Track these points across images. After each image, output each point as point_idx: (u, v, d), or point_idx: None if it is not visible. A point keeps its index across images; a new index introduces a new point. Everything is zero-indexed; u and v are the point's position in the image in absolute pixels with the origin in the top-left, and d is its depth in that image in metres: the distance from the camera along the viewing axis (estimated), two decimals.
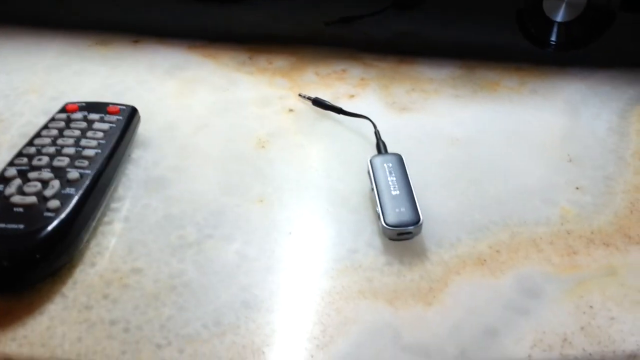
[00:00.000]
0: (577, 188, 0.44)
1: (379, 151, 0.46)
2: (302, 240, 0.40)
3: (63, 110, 0.47)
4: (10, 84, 0.55)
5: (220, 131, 0.50)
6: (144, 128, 0.49)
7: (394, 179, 0.42)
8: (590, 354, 0.32)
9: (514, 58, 0.58)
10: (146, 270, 0.37)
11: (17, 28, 0.63)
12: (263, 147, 0.48)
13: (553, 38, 0.56)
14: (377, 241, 0.40)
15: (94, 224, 0.40)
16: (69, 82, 0.56)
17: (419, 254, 0.39)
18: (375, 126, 0.48)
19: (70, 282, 0.37)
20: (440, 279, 0.37)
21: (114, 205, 0.42)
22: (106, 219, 0.41)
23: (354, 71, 0.58)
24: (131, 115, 0.47)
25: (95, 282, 0.37)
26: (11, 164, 0.41)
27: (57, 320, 0.34)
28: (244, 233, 0.40)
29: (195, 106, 0.53)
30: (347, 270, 0.38)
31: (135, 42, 0.62)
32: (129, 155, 0.47)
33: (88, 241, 0.39)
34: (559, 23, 0.55)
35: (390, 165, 0.43)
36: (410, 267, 0.38)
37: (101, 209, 0.41)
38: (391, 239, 0.40)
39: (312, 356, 0.32)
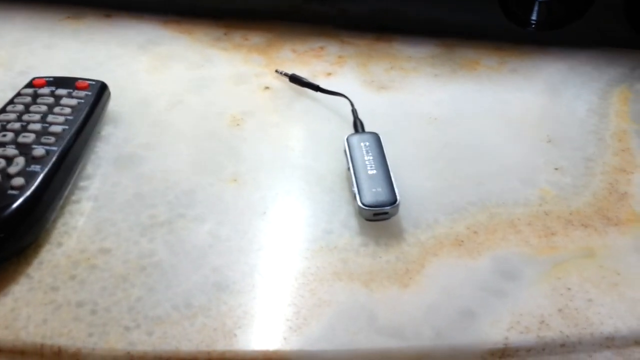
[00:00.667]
0: (556, 169, 0.44)
1: (356, 130, 0.45)
2: (276, 221, 0.39)
3: (30, 85, 0.45)
4: None
5: (194, 108, 0.49)
6: (115, 104, 0.48)
7: (371, 158, 0.41)
8: (567, 336, 0.32)
9: (494, 37, 0.58)
10: (115, 251, 0.36)
11: None
12: (238, 125, 0.47)
13: (534, 17, 0.55)
14: (353, 222, 0.39)
15: (60, 202, 0.38)
16: (38, 56, 0.54)
17: (396, 235, 0.38)
18: (352, 104, 0.47)
19: (35, 263, 0.35)
20: (416, 260, 0.36)
21: (82, 183, 0.41)
22: (74, 197, 0.40)
23: (332, 49, 0.57)
24: (101, 90, 0.46)
25: (61, 262, 0.36)
26: None
27: (21, 301, 0.33)
28: (217, 213, 0.39)
29: (169, 82, 0.52)
30: (321, 251, 0.37)
31: (108, 16, 0.60)
32: (99, 133, 0.45)
33: (55, 220, 0.38)
34: (540, 2, 0.54)
35: (367, 144, 0.42)
36: (386, 249, 0.37)
37: (69, 188, 0.40)
38: (367, 219, 0.39)
39: (285, 338, 0.32)
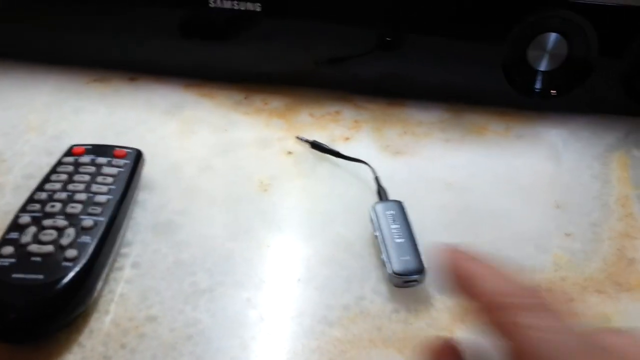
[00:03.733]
0: (567, 234, 0.47)
1: (380, 198, 0.48)
2: (310, 287, 0.41)
3: (70, 153, 0.47)
4: (8, 121, 0.56)
5: (223, 173, 0.51)
6: (147, 169, 0.50)
7: (397, 226, 0.44)
8: None
9: (498, 102, 0.61)
10: (161, 319, 0.38)
11: (12, 62, 0.63)
12: (266, 190, 0.50)
13: (537, 86, 0.58)
14: (383, 288, 0.42)
15: (106, 270, 0.40)
16: (69, 121, 0.56)
17: (424, 301, 0.41)
18: (374, 172, 0.50)
19: (86, 331, 0.37)
20: (446, 327, 0.39)
21: (123, 250, 0.43)
22: (117, 264, 0.42)
23: (347, 113, 0.60)
24: (137, 158, 0.48)
25: (111, 330, 0.37)
26: (24, 210, 0.41)
27: None
28: (254, 279, 0.42)
29: (197, 147, 0.54)
30: (356, 317, 0.39)
31: (132, 79, 0.63)
32: (135, 199, 0.47)
33: (101, 288, 0.40)
34: (542, 72, 0.58)
35: (393, 212, 0.45)
36: (416, 314, 0.40)
37: (113, 255, 0.42)
38: (397, 286, 0.41)
39: None
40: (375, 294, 0.41)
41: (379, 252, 0.44)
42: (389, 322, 0.39)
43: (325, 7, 0.58)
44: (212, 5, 0.58)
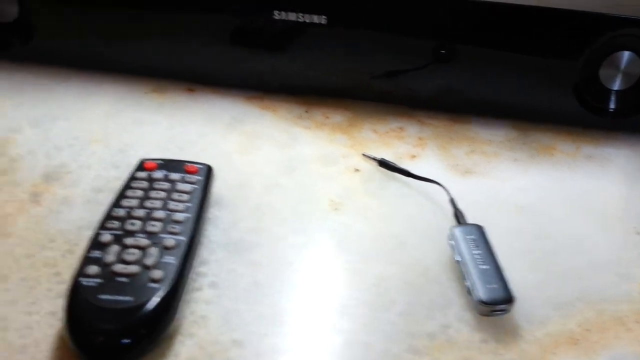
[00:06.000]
0: None
1: (458, 221, 0.46)
2: (392, 313, 0.40)
3: (141, 168, 0.47)
4: (71, 132, 0.55)
5: (291, 190, 0.50)
6: (215, 185, 0.49)
7: (480, 252, 0.42)
8: None
9: (566, 121, 0.60)
10: (246, 344, 0.37)
11: (70, 72, 0.63)
12: (336, 209, 0.49)
13: (610, 105, 0.57)
14: (468, 316, 0.40)
15: (186, 290, 0.40)
16: (131, 133, 0.56)
17: (512, 331, 0.39)
18: (449, 194, 0.49)
19: (171, 355, 0.36)
20: (537, 359, 0.38)
21: (200, 269, 0.42)
22: (195, 284, 0.41)
23: (411, 129, 0.59)
24: (208, 174, 0.47)
25: (197, 354, 0.37)
26: (103, 227, 0.40)
27: None
28: (334, 304, 0.41)
29: (262, 163, 0.53)
30: (444, 347, 0.38)
31: (190, 90, 0.62)
32: (207, 216, 0.46)
33: (181, 309, 0.39)
34: (615, 91, 0.57)
35: (473, 237, 0.44)
36: (505, 346, 0.38)
37: (192, 275, 0.41)
38: (482, 314, 0.40)
39: None
40: (460, 322, 0.40)
41: (458, 277, 0.43)
42: (478, 354, 0.38)
43: (392, 18, 0.57)
44: (276, 17, 0.57)
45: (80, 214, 0.46)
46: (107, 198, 0.46)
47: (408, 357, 0.38)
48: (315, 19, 0.57)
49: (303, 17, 0.57)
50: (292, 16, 0.57)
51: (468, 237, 0.44)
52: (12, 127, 0.55)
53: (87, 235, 0.43)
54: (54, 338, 0.37)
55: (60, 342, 0.36)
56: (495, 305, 0.39)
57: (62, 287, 0.38)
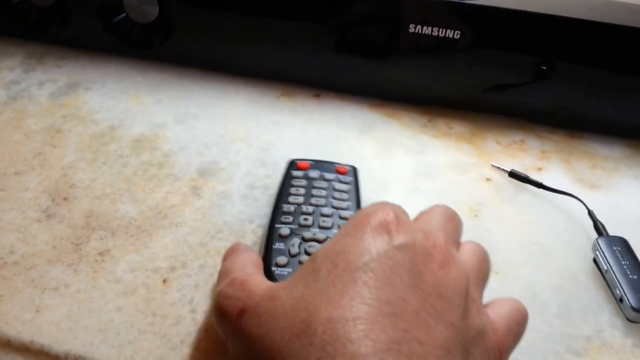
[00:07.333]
0: None
1: (600, 233, 0.49)
2: (549, 314, 0.43)
3: (295, 167, 0.50)
4: (215, 130, 0.58)
5: (430, 196, 0.53)
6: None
7: (628, 263, 0.45)
8: None
9: None
10: None
11: (208, 74, 0.66)
12: (476, 216, 0.51)
13: None
14: (618, 322, 0.43)
15: None
16: (271, 133, 0.59)
17: None
18: (587, 207, 0.51)
19: None
20: None
21: None
22: None
23: (532, 143, 0.61)
24: (356, 175, 0.50)
25: None
26: (280, 222, 0.43)
27: None
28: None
29: (398, 167, 0.56)
30: (601, 349, 0.40)
31: (317, 95, 0.65)
32: None
33: None
34: None
35: (619, 248, 0.46)
36: None
37: None
38: (633, 321, 0.42)
39: None
40: (612, 327, 0.42)
41: (604, 285, 0.45)
42: (632, 357, 0.40)
43: (520, 38, 0.59)
44: (411, 30, 0.60)
45: (240, 208, 0.49)
46: (262, 194, 0.50)
47: (569, 357, 0.40)
48: (450, 33, 0.59)
49: (438, 31, 0.59)
50: (427, 30, 0.60)
51: (614, 248, 0.46)
52: (158, 122, 0.59)
53: (250, 228, 0.47)
54: None
55: None
56: None
57: None
